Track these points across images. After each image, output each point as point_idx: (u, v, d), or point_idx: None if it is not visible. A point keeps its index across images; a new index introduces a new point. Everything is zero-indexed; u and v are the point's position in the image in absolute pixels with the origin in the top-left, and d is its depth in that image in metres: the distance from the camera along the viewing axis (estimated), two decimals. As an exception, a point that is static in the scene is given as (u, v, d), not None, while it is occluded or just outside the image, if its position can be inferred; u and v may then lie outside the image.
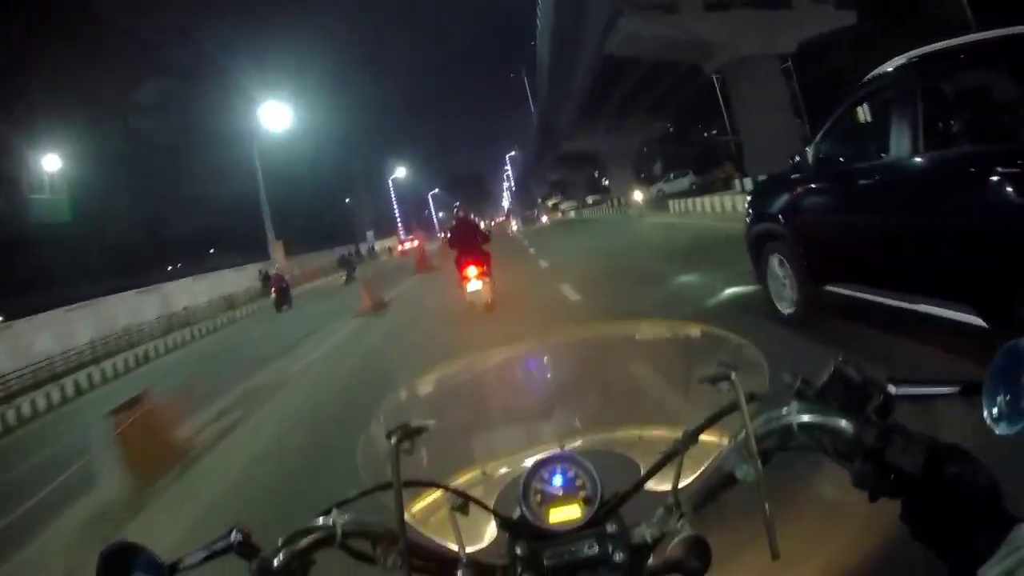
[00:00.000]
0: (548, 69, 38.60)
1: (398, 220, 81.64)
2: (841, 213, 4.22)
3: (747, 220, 5.51)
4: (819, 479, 1.75)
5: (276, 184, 60.69)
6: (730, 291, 6.76)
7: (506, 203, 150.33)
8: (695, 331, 0.98)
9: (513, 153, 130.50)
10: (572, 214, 54.24)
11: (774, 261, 5.02)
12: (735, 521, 0.86)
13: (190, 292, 34.86)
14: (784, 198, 4.83)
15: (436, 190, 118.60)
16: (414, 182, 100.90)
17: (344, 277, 30.49)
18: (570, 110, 41.37)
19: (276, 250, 34.74)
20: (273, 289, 24.81)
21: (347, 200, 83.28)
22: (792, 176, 4.82)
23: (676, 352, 1.02)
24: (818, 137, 4.57)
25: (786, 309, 4.96)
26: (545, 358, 1.13)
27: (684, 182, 40.81)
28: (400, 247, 64.62)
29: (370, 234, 72.30)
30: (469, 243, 9.52)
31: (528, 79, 72.51)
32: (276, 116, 35.79)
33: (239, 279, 40.14)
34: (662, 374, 1.03)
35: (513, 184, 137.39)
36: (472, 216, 11.75)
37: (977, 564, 0.51)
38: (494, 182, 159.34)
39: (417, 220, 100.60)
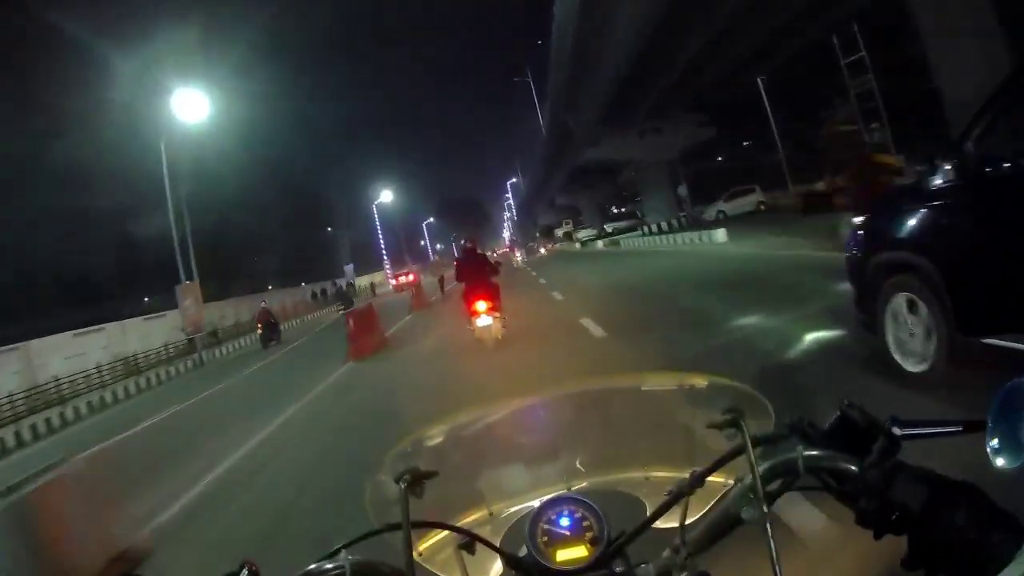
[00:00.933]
0: (573, 40, 28.42)
1: (383, 251, 70.84)
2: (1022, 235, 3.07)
3: (853, 247, 4.27)
4: (824, 519, 1.62)
5: (233, 213, 51.44)
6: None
7: (507, 234, 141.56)
8: (701, 381, 0.96)
9: (514, 180, 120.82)
10: (600, 244, 41.71)
11: (899, 302, 3.84)
12: (741, 561, 0.87)
13: (71, 352, 24.62)
14: (922, 216, 3.66)
15: (431, 219, 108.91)
16: (404, 208, 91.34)
17: (341, 310, 29.16)
18: (601, 98, 30.40)
19: (186, 294, 24.36)
20: (259, 324, 23.74)
21: (329, 229, 73.06)
22: (935, 186, 3.55)
23: (683, 400, 0.99)
24: (978, 128, 3.26)
25: (914, 366, 3.76)
26: (552, 406, 1.12)
27: (750, 200, 31.62)
28: (395, 281, 54.71)
29: (349, 268, 61.76)
30: (477, 276, 9.06)
31: (534, 83, 62.24)
32: (191, 107, 25.93)
33: (154, 331, 29.87)
34: (668, 420, 1.01)
35: (515, 213, 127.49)
36: (478, 248, 10.32)
37: None
38: (494, 211, 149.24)
39: (410, 251, 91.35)
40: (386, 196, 70.78)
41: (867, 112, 24.37)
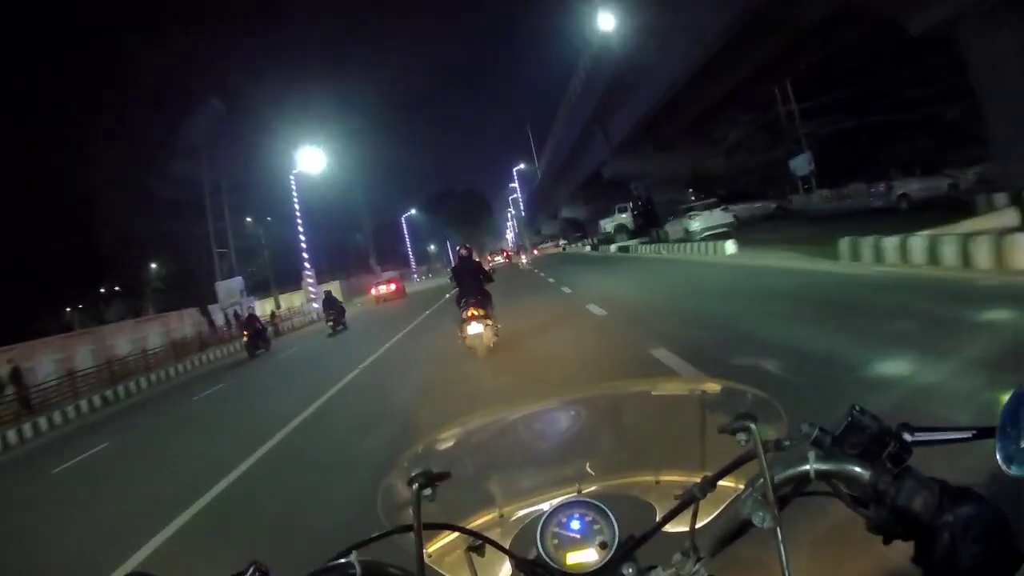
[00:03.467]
0: None
1: (304, 255, 40.94)
2: None
3: None
4: (834, 523, 1.46)
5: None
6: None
7: (511, 235, 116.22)
8: (713, 385, 0.95)
9: (522, 166, 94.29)
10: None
11: None
12: (751, 565, 0.86)
13: None
14: None
15: (412, 211, 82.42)
16: (383, 203, 65.24)
17: (330, 325, 22.96)
18: None
19: None
20: (245, 334, 22.59)
21: (249, 220, 47.09)
22: None
23: (694, 405, 0.97)
24: None
25: None
26: (564, 411, 1.10)
27: None
28: (374, 291, 40.00)
29: (229, 285, 35.57)
30: (471, 282, 9.33)
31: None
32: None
33: None
34: (679, 425, 0.98)
35: (521, 209, 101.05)
36: (474, 254, 10.86)
37: None
38: (496, 206, 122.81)
39: (383, 255, 66.31)
40: (312, 162, 41.41)
41: None
